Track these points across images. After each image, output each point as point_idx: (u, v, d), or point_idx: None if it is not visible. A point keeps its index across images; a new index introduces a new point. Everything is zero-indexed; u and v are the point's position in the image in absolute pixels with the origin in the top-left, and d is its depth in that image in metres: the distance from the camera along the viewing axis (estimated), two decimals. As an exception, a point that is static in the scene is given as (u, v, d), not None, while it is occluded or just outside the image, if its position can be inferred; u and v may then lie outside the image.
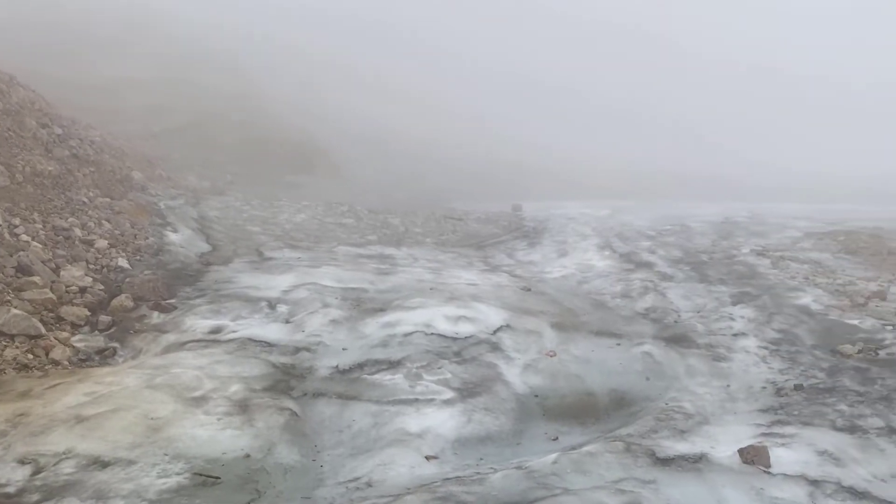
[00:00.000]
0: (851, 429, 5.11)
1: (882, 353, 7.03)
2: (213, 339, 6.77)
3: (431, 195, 19.44)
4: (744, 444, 4.49)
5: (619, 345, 7.52)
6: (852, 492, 3.96)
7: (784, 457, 4.48)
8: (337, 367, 6.35)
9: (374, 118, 27.39)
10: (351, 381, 6.10)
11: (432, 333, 7.17)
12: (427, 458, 4.91)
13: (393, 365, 6.41)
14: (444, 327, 7.36)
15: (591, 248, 13.48)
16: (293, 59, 30.73)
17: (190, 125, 20.40)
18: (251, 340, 6.75)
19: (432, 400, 5.73)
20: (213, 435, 4.87)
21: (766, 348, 7.37)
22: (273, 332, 7.03)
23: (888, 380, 6.25)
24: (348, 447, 5.12)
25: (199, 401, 5.32)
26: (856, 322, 8.19)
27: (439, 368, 6.36)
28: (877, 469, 4.38)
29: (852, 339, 7.53)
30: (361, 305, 7.99)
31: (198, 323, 7.10)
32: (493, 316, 7.83)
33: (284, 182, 18.42)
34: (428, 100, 33.33)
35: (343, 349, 6.75)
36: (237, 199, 14.71)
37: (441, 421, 5.43)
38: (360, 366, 6.39)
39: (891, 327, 7.92)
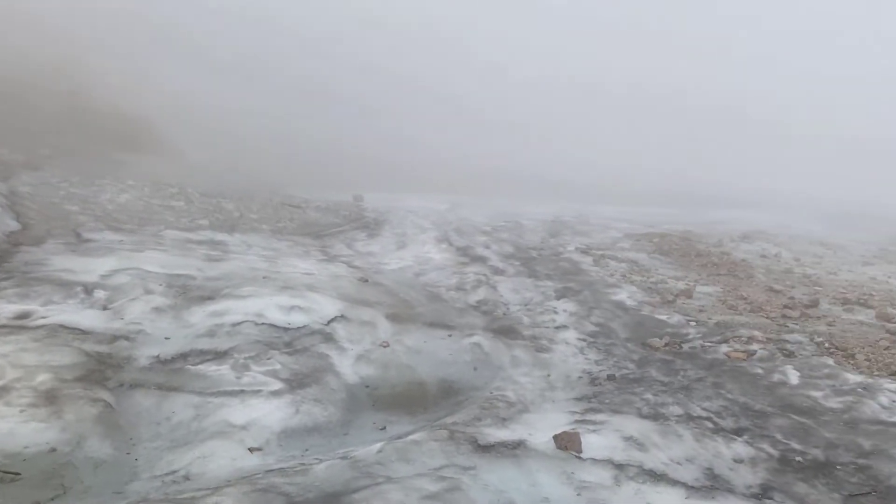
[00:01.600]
0: (655, 416, 5.54)
1: (685, 347, 7.67)
2: (19, 324, 6.22)
3: (270, 181, 18.93)
4: (558, 431, 4.75)
5: (450, 336, 7.69)
6: (652, 474, 4.31)
7: (594, 442, 4.79)
8: (158, 356, 6.05)
9: (222, 99, 26.19)
10: (173, 371, 5.83)
11: (263, 323, 7.00)
12: (250, 449, 4.80)
13: (219, 355, 6.20)
14: (276, 317, 7.21)
15: (429, 241, 13.70)
16: (131, 28, 28.70)
17: (4, 93, 18.57)
18: (63, 327, 6.27)
19: (259, 391, 5.60)
20: (14, 428, 4.51)
21: (584, 340, 7.82)
22: (88, 318, 6.57)
23: (689, 371, 6.84)
24: (167, 440, 4.90)
25: (0, 391, 4.89)
26: (665, 317, 8.89)
27: (269, 359, 6.22)
28: (674, 453, 4.78)
29: (660, 333, 8.16)
30: (188, 293, 7.65)
31: (2, 307, 6.50)
32: (328, 306, 7.76)
33: (111, 159, 17.20)
34: (279, 79, 32.28)
35: (166, 338, 6.44)
36: (54, 176, 13.59)
37: (267, 412, 5.32)
38: (184, 356, 6.12)
39: (694, 323, 8.66)
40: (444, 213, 17.86)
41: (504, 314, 8.88)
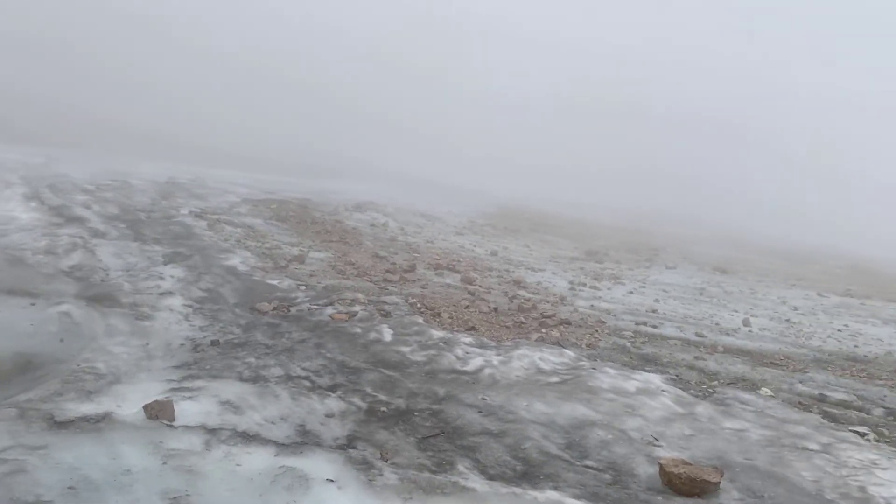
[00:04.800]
0: (255, 379, 5.57)
1: (293, 310, 7.85)
2: None
3: None
4: (150, 401, 4.51)
5: (34, 305, 6.85)
6: (244, 436, 4.31)
7: (189, 409, 4.64)
8: None
9: None
10: None
11: None
12: None
13: None
14: None
15: (15, 197, 12.02)
16: None
17: None
18: None
19: None
20: None
21: (190, 307, 7.55)
22: None
23: (294, 333, 7.01)
24: None
25: None
26: (276, 282, 8.99)
27: None
28: (269, 413, 4.86)
29: (270, 297, 8.24)
30: None
31: None
32: None
33: None
34: None
35: None
36: None
37: None
38: None
39: (304, 287, 8.91)
40: (38, 168, 15.81)
41: (102, 280, 8.16)
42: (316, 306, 8.03)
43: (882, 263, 25.68)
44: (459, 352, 6.90)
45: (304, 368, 6.00)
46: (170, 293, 7.88)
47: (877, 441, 5.71)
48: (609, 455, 4.83)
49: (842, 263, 24.41)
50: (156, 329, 6.74)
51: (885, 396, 7.05)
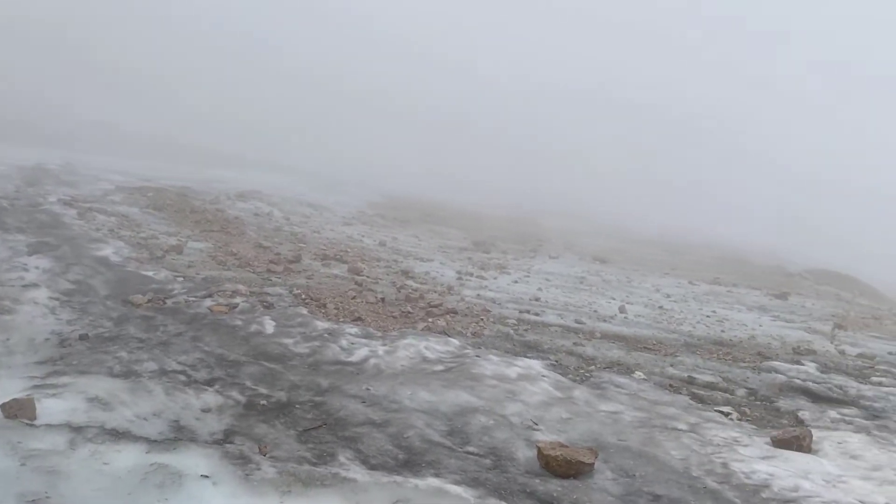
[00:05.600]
0: (127, 374, 5.32)
1: (169, 303, 7.55)
2: None
3: None
4: (7, 399, 4.22)
5: None
6: (113, 433, 4.10)
7: (52, 407, 4.38)
8: None
9: None
10: None
11: None
12: None
13: None
14: None
15: None
16: None
17: None
18: None
19: None
20: None
21: (57, 299, 7.12)
22: None
23: (169, 326, 6.74)
24: None
25: None
26: (151, 273, 8.61)
27: None
28: (142, 410, 4.65)
29: (145, 289, 7.88)
30: None
31: None
32: None
33: None
34: None
35: None
36: None
37: None
38: None
39: (182, 278, 8.58)
40: None
41: (-45, 272, 7.57)
42: (194, 298, 7.75)
43: (749, 253, 27.38)
44: (344, 343, 6.84)
45: (179, 363, 5.77)
46: (34, 285, 7.39)
47: (739, 420, 6.09)
48: (490, 440, 4.91)
49: (714, 253, 25.87)
50: (17, 323, 6.31)
51: (747, 378, 7.53)
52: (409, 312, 8.63)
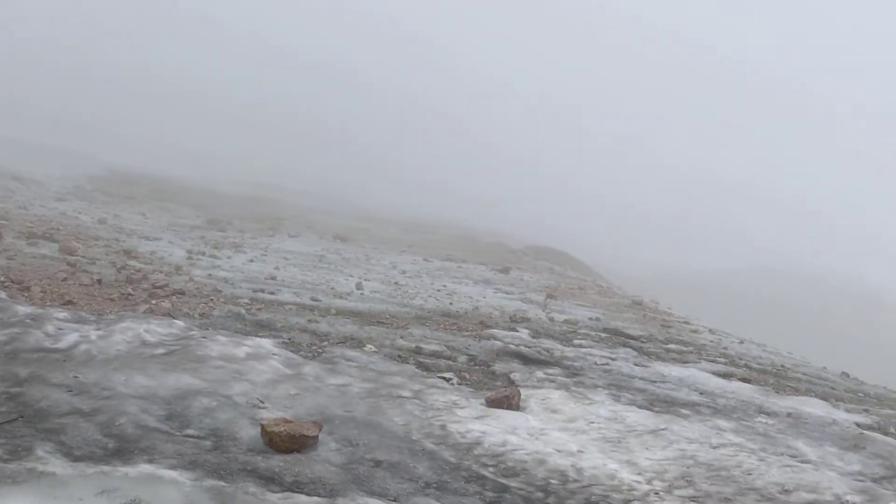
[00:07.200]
0: None
1: None
2: None
3: None
4: None
5: None
6: None
7: None
8: None
9: None
10: None
11: None
12: None
13: None
14: None
15: None
16: None
17: None
18: None
19: None
20: None
21: None
22: None
23: None
24: None
25: None
26: None
27: None
28: None
29: None
30: None
31: None
32: None
33: None
34: None
35: None
36: None
37: None
38: None
39: None
40: None
41: None
42: None
43: (481, 233, 29.30)
44: (51, 328, 6.20)
45: None
46: None
47: (458, 384, 6.50)
48: (212, 422, 4.75)
49: (452, 233, 27.29)
50: None
51: (469, 346, 8.06)
52: (130, 294, 8.05)
